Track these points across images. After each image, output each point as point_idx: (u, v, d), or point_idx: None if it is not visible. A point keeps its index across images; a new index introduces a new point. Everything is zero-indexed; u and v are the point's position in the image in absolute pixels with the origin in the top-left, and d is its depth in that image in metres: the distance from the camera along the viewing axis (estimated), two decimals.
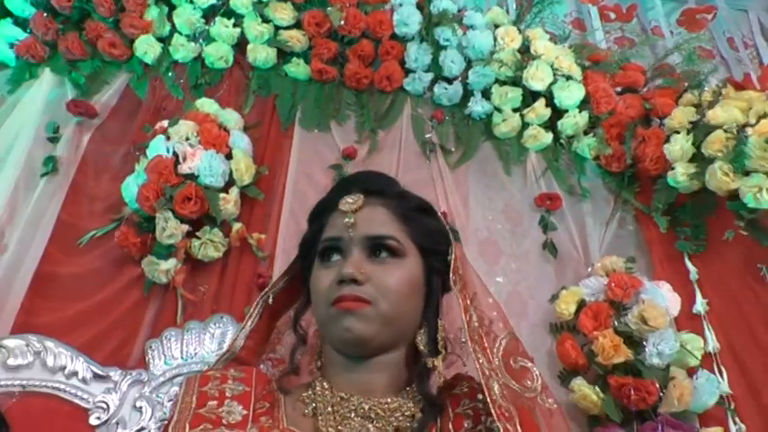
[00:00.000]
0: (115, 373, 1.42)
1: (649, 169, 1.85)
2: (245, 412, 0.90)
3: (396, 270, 0.94)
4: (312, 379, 1.00)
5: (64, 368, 1.41)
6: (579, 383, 1.48)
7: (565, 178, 1.94)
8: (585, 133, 1.95)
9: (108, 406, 1.37)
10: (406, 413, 0.91)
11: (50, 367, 1.41)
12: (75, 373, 1.41)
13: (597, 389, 1.46)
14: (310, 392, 0.96)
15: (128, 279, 1.65)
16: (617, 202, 1.91)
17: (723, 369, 1.56)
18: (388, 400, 0.92)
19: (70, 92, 1.95)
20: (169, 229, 1.61)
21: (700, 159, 1.73)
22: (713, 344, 1.59)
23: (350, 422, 0.90)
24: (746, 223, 1.62)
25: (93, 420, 1.36)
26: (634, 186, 1.90)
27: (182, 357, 1.45)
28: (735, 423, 1.48)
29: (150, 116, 1.91)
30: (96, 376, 1.41)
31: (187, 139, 1.73)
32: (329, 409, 0.91)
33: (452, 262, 1.00)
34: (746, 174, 1.61)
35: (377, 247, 0.95)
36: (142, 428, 1.35)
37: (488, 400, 0.86)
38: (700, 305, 1.66)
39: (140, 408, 1.38)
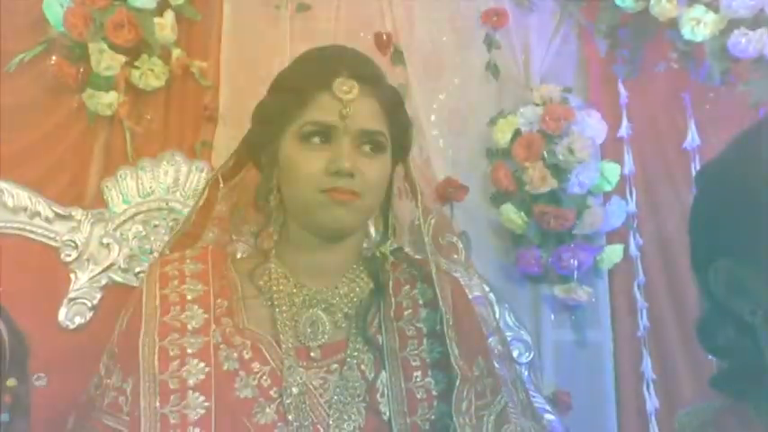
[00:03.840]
0: (77, 213, 1.49)
1: None
2: (205, 315, 0.94)
3: (377, 164, 0.98)
4: (267, 255, 1.03)
5: (25, 209, 1.47)
6: (507, 208, 1.66)
7: None
8: None
9: (76, 244, 1.47)
10: (354, 299, 1.01)
11: (11, 208, 1.47)
12: (37, 213, 1.47)
13: (522, 214, 1.64)
14: (266, 279, 1.00)
15: (69, 109, 1.63)
16: (563, 17, 1.89)
17: (634, 190, 1.75)
18: (338, 285, 1.01)
19: None
20: (105, 60, 1.55)
21: None
22: (630, 167, 1.76)
23: (305, 312, 0.98)
24: (680, 54, 1.68)
25: (64, 257, 1.46)
26: (581, 1, 1.87)
27: (139, 195, 1.52)
28: (635, 238, 1.72)
29: None
30: (58, 216, 1.48)
31: None
32: (285, 299, 0.98)
33: (409, 151, 1.06)
34: (690, 5, 1.63)
35: (366, 140, 0.97)
36: (112, 264, 1.47)
37: (436, 287, 0.99)
38: (624, 129, 1.78)
39: (107, 244, 1.47)
